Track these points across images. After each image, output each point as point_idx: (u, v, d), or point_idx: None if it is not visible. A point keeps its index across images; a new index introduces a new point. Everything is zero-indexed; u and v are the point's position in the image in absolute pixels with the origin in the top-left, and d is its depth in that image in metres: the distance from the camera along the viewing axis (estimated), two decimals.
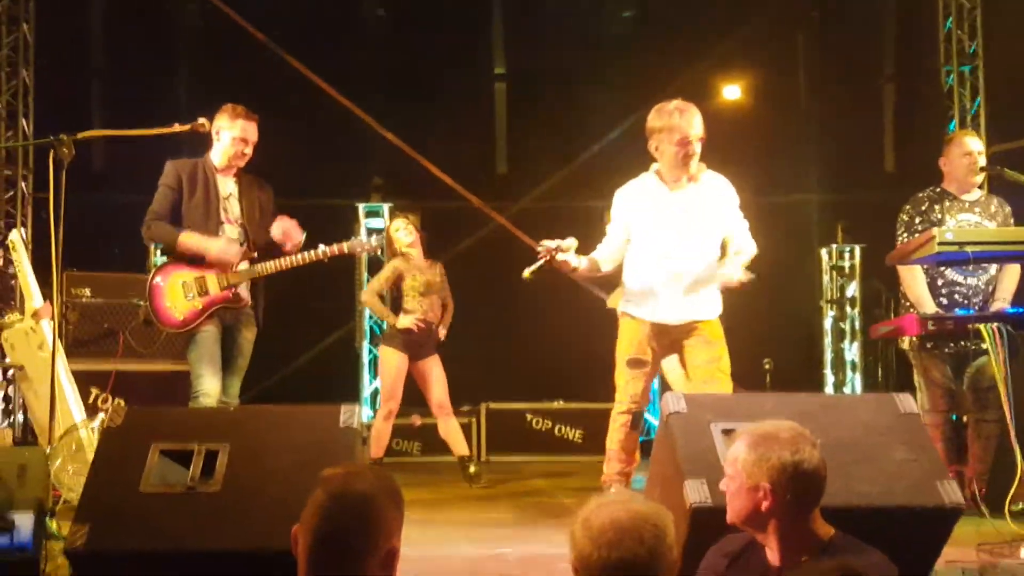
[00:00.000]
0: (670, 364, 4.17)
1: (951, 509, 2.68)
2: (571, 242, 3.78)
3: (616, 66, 8.00)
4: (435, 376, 5.53)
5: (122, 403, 4.25)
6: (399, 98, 8.25)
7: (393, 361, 5.50)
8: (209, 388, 3.99)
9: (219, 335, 4.11)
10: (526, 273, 3.75)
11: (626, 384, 3.88)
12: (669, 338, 3.90)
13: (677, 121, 3.77)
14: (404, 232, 5.56)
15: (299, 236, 4.13)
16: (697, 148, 3.82)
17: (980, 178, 4.42)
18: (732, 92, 8.66)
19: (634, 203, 3.93)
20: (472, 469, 5.60)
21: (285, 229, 4.11)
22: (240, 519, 2.68)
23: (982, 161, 4.38)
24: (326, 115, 8.05)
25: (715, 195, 3.93)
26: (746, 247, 3.95)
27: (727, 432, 2.78)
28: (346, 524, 1.65)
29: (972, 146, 4.40)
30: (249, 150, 4.18)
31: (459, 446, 5.63)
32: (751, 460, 2.10)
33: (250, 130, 4.17)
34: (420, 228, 5.70)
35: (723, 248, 3.96)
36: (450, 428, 5.61)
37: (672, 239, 3.85)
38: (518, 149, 8.72)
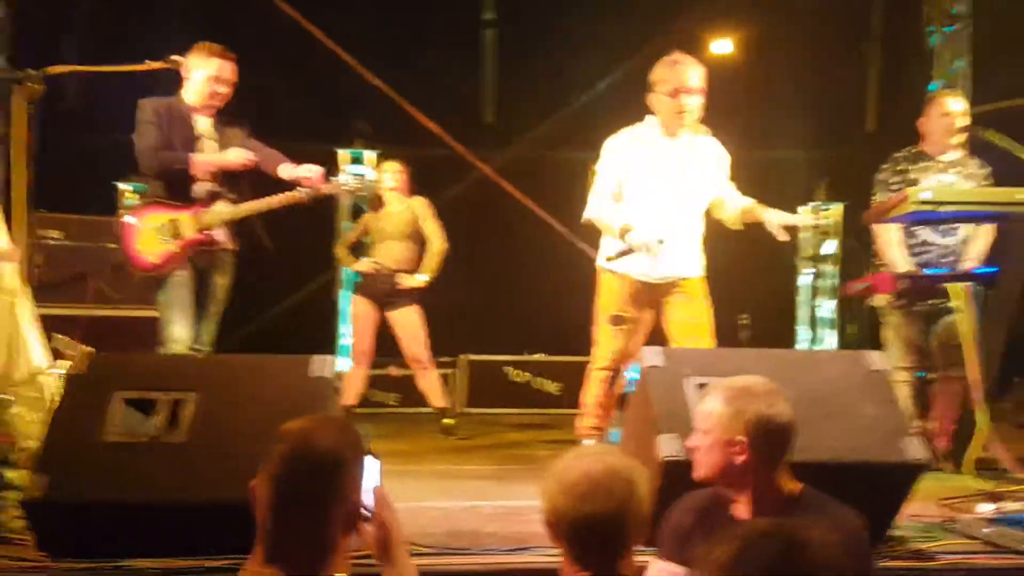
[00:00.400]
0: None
1: (915, 465, 2.72)
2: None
3: (607, 16, 7.87)
4: (404, 328, 5.41)
5: (89, 349, 4.22)
6: (385, 44, 8.10)
7: (356, 309, 5.50)
8: (179, 335, 3.94)
9: (192, 280, 4.04)
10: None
11: (607, 341, 3.86)
12: (651, 295, 3.87)
13: (672, 72, 3.72)
14: (390, 176, 5.50)
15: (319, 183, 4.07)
16: (691, 101, 3.74)
17: (958, 139, 4.39)
18: (722, 46, 8.58)
19: (628, 152, 3.84)
20: (448, 421, 5.61)
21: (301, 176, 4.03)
22: (205, 470, 2.65)
23: (961, 122, 4.35)
24: (310, 58, 7.90)
25: (712, 155, 3.89)
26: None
27: (700, 387, 2.78)
28: (307, 479, 1.63)
29: (951, 106, 4.37)
30: (224, 89, 4.07)
31: (436, 398, 5.61)
32: (728, 414, 2.10)
33: (226, 69, 4.06)
34: (410, 178, 5.62)
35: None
36: (427, 381, 5.58)
37: (668, 190, 3.79)
38: (506, 98, 8.61)
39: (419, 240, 5.49)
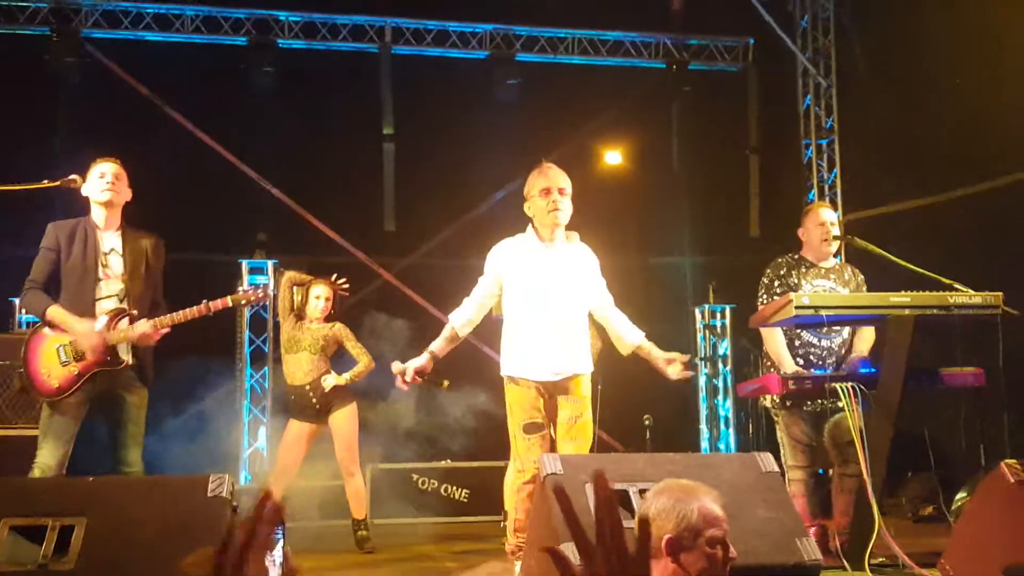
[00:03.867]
0: None
1: (810, 566, 2.80)
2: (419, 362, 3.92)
3: (504, 130, 8.19)
4: (336, 432, 5.50)
5: None
6: (286, 156, 8.22)
7: (289, 432, 5.55)
8: (45, 460, 3.81)
9: (86, 404, 3.94)
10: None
11: (526, 452, 3.86)
12: (549, 393, 3.95)
13: (541, 176, 3.97)
14: (323, 304, 5.55)
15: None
16: (561, 199, 3.95)
17: (834, 247, 4.69)
18: (613, 157, 9.00)
19: (510, 257, 4.01)
20: (362, 533, 5.57)
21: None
22: None
23: (835, 231, 4.67)
24: (211, 171, 7.93)
25: (585, 259, 4.07)
26: (632, 329, 4.10)
27: None
28: None
29: (826, 216, 4.69)
30: (109, 179, 4.05)
31: (354, 508, 5.61)
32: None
33: (108, 166, 4.08)
34: (334, 303, 5.66)
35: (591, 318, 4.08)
36: (351, 488, 5.59)
37: (549, 290, 3.93)
38: (406, 207, 8.78)
39: (328, 360, 5.58)
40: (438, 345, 3.98)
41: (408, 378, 3.90)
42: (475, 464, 7.15)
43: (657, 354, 3.98)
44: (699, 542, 2.23)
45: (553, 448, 3.86)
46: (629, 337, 4.04)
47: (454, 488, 7.27)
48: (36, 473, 3.78)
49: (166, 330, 4.02)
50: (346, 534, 5.69)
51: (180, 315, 4.01)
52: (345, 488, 5.63)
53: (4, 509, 2.75)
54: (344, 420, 5.49)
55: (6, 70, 7.74)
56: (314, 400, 5.47)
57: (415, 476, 7.29)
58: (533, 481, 3.79)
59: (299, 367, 5.50)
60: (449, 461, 7.37)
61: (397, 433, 7.52)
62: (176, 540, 2.68)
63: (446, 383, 5.62)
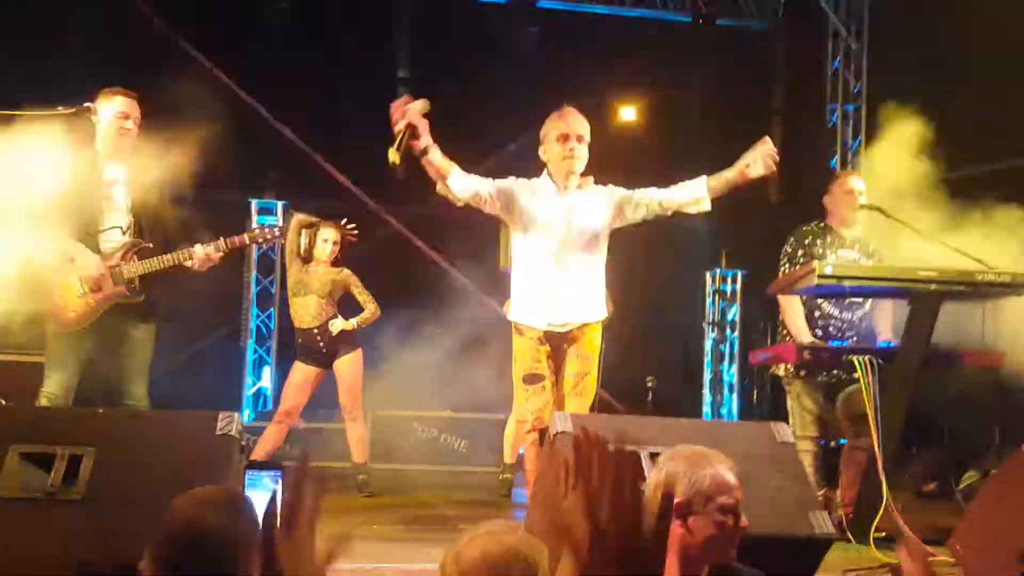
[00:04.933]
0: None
1: (822, 539, 2.77)
2: (423, 104, 3.68)
3: (518, 81, 8.05)
4: (342, 377, 5.54)
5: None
6: (299, 97, 8.08)
7: (295, 374, 5.55)
8: (51, 389, 3.80)
9: (93, 335, 3.90)
10: (393, 155, 3.61)
11: (525, 401, 3.82)
12: (556, 343, 3.89)
13: (558, 120, 3.85)
14: (331, 247, 5.49)
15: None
16: (579, 146, 3.83)
17: (860, 215, 4.60)
18: (628, 113, 8.86)
19: (526, 193, 3.88)
20: (361, 477, 5.64)
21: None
22: (103, 531, 2.54)
23: (863, 200, 4.56)
24: (224, 109, 7.79)
25: (601, 202, 3.94)
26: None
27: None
28: (196, 564, 1.55)
29: (855, 184, 4.57)
30: (130, 124, 3.99)
31: (355, 452, 5.67)
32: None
33: (129, 104, 4.00)
34: (343, 246, 5.61)
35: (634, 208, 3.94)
36: (352, 432, 5.65)
37: (560, 239, 3.84)
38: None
39: (336, 304, 5.55)
40: (437, 150, 3.77)
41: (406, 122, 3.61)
42: (475, 415, 7.14)
43: (731, 174, 3.80)
44: (709, 508, 2.21)
45: (559, 403, 3.81)
46: (695, 191, 3.86)
47: (453, 438, 7.28)
48: (43, 402, 3.77)
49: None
50: (345, 477, 5.71)
51: (205, 249, 3.99)
52: (347, 432, 5.66)
53: (14, 435, 2.73)
54: (349, 365, 5.51)
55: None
56: (321, 344, 5.45)
57: (414, 424, 7.29)
58: (534, 431, 3.77)
59: (306, 310, 5.48)
60: (450, 411, 7.37)
61: (400, 381, 7.53)
62: (184, 476, 2.66)
63: None
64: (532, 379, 3.79)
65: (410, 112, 3.63)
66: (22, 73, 6.89)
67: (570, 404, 3.76)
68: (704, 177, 3.86)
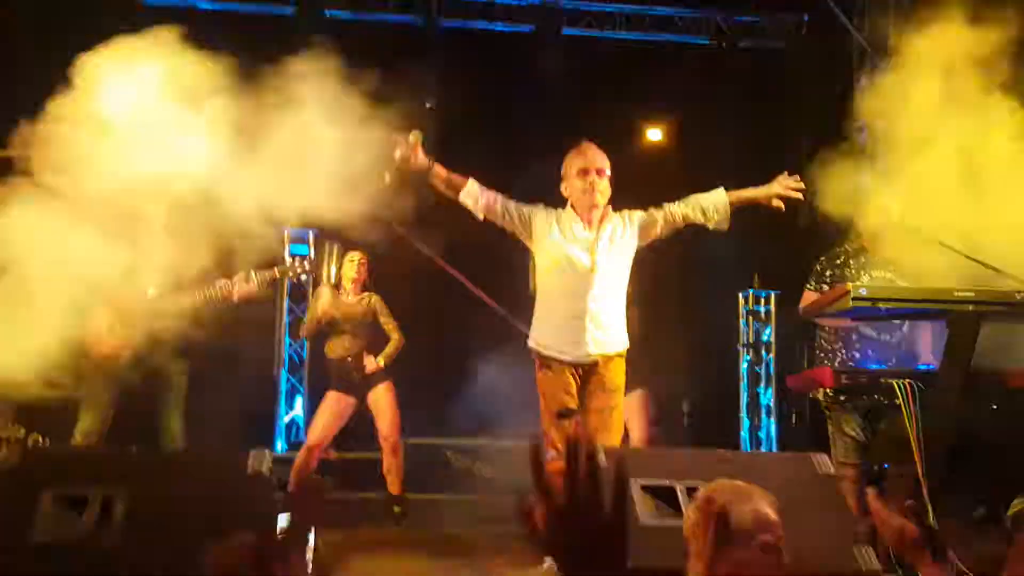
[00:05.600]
0: None
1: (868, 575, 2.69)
2: (415, 135, 3.80)
3: (544, 106, 8.04)
4: (376, 407, 5.52)
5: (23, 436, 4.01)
6: None
7: (328, 403, 5.55)
8: (86, 425, 3.87)
9: (128, 370, 3.93)
10: (386, 178, 3.68)
11: (556, 437, 3.81)
12: (582, 376, 3.86)
13: (579, 155, 3.88)
14: (355, 267, 5.51)
15: None
16: (599, 180, 3.85)
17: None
18: (655, 134, 8.82)
19: (548, 222, 3.92)
20: (396, 509, 5.60)
21: None
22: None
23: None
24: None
25: (623, 232, 3.94)
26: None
27: (647, 488, 2.75)
28: None
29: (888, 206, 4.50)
30: None
31: (391, 483, 5.62)
32: None
33: None
34: (369, 270, 5.63)
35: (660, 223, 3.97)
36: (392, 466, 5.60)
37: (583, 273, 3.84)
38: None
39: (367, 332, 5.55)
40: (443, 170, 3.83)
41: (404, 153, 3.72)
42: (508, 443, 7.09)
43: (750, 192, 3.90)
44: (751, 546, 2.15)
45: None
46: (715, 201, 3.91)
47: (485, 466, 7.23)
48: (78, 439, 3.80)
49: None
50: (375, 506, 5.65)
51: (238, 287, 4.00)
52: (384, 462, 5.59)
53: (48, 478, 2.73)
54: (386, 394, 5.53)
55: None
56: (355, 373, 5.44)
57: (447, 452, 7.25)
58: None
59: (339, 342, 5.49)
60: (481, 438, 7.32)
61: (429, 408, 7.50)
62: (218, 517, 2.65)
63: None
64: (566, 414, 3.77)
65: (402, 144, 3.66)
66: None
67: (600, 440, 3.71)
68: (722, 189, 3.94)
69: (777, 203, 3.88)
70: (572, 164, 3.91)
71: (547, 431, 3.87)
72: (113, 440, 3.97)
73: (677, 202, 3.99)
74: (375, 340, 5.58)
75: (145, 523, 2.67)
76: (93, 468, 2.93)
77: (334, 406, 5.52)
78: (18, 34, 6.99)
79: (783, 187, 3.86)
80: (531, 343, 3.95)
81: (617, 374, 3.86)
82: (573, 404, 3.82)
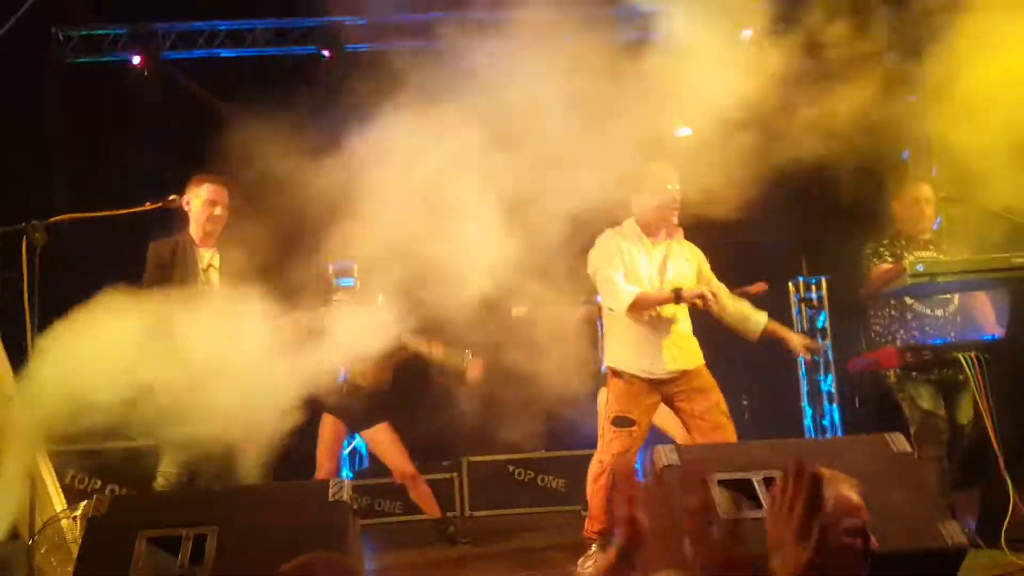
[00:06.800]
0: None
1: (955, 550, 2.66)
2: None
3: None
4: (380, 446, 5.28)
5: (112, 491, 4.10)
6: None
7: (325, 427, 5.22)
8: (167, 468, 3.90)
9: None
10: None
11: (609, 442, 3.84)
12: (660, 393, 3.89)
13: (654, 176, 3.93)
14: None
15: None
16: (673, 202, 3.88)
17: (931, 220, 4.54)
18: (682, 132, 8.78)
19: (623, 247, 3.94)
20: (449, 530, 5.45)
21: None
22: None
23: (932, 204, 4.52)
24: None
25: (694, 255, 4.03)
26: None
27: (724, 483, 2.76)
28: None
29: (924, 192, 4.53)
30: (220, 211, 4.15)
31: (430, 510, 5.44)
32: None
33: (216, 192, 4.14)
34: None
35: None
36: (419, 495, 5.39)
37: (655, 287, 3.88)
38: None
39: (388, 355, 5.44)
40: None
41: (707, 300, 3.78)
42: (570, 453, 7.09)
43: (783, 332, 4.05)
44: (836, 531, 2.15)
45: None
46: (756, 319, 3.98)
47: (550, 478, 7.23)
48: (160, 481, 3.88)
49: None
50: (427, 528, 5.58)
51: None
52: (411, 494, 5.40)
53: (141, 521, 2.82)
54: (382, 432, 5.24)
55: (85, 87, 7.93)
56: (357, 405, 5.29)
57: (511, 467, 7.26)
58: (607, 473, 3.78)
59: (359, 370, 5.22)
60: (544, 451, 7.32)
61: (490, 424, 7.51)
62: (303, 545, 2.71)
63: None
64: (622, 421, 3.81)
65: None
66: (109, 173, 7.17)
67: (717, 437, 3.75)
68: (766, 315, 4.10)
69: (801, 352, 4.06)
70: (649, 180, 3.94)
71: (599, 438, 3.91)
72: (191, 483, 4.04)
73: (730, 294, 4.06)
74: (383, 372, 5.32)
75: (235, 555, 2.74)
76: (182, 509, 3.01)
77: (335, 435, 5.24)
78: None
79: (802, 346, 4.06)
80: (606, 356, 3.99)
81: (704, 376, 3.91)
82: (634, 416, 3.85)
